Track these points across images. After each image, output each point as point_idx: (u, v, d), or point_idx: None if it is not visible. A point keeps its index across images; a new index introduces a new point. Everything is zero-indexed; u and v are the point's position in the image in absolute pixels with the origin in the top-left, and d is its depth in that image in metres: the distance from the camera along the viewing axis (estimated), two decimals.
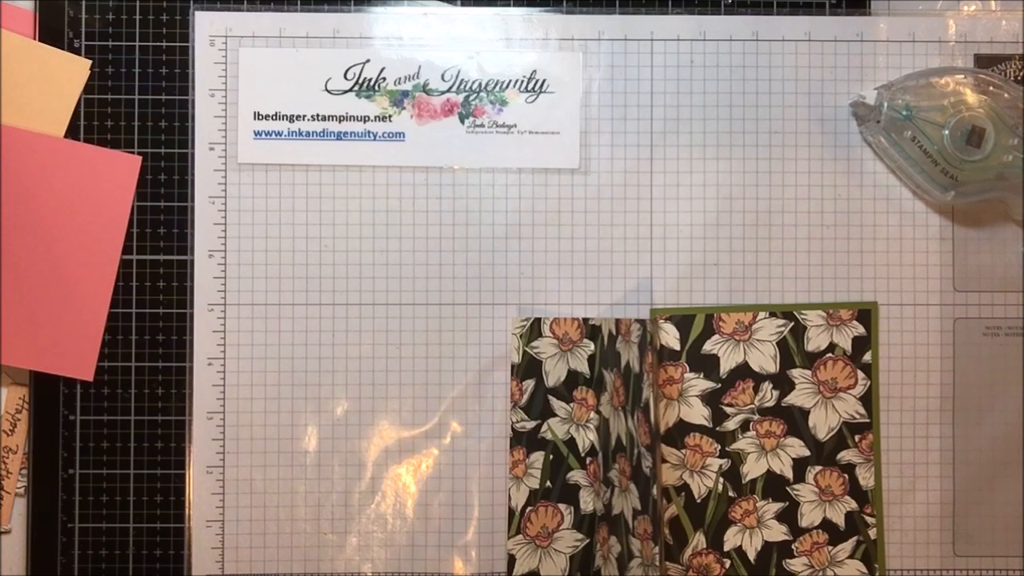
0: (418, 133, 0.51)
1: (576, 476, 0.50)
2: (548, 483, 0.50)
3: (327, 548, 0.51)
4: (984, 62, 0.52)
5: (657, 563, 0.48)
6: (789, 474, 0.51)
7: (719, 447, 0.50)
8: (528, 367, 0.50)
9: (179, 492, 0.50)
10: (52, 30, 0.51)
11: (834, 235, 0.51)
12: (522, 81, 0.51)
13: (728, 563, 0.50)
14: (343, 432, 0.51)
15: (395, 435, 0.51)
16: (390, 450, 0.51)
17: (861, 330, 0.51)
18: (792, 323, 0.51)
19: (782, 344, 0.51)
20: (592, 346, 0.51)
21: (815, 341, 0.51)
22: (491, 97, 0.51)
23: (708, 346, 0.51)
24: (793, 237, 0.51)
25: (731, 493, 0.50)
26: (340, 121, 0.51)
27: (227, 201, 0.51)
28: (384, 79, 0.51)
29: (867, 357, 0.51)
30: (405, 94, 0.51)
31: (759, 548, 0.50)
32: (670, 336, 0.50)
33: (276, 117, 0.51)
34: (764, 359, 0.51)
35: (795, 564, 0.51)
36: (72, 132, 0.50)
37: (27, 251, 0.50)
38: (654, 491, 0.48)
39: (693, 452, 0.50)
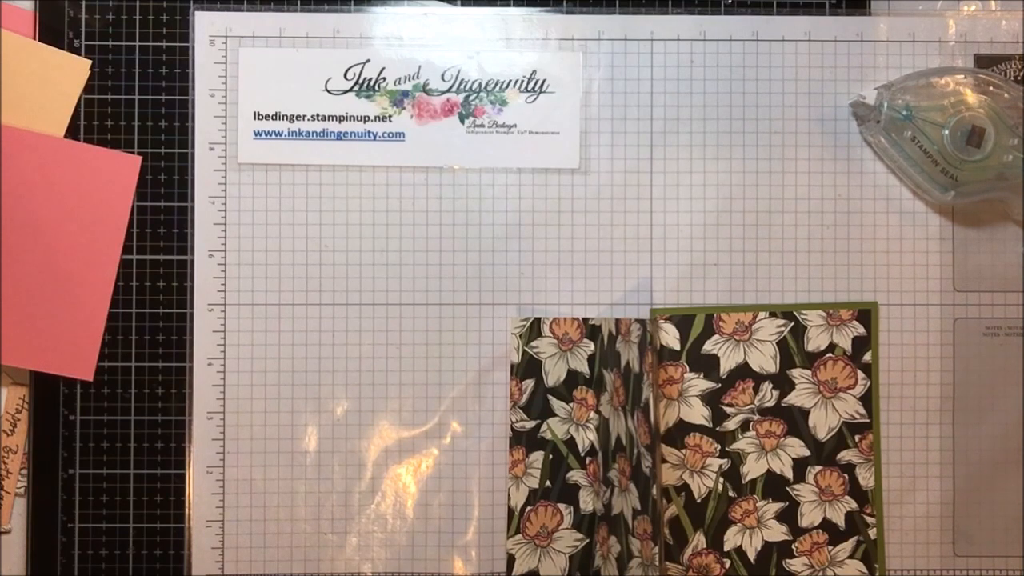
0: (418, 133, 0.51)
1: (576, 476, 0.50)
2: (548, 483, 0.50)
3: (327, 548, 0.51)
4: (984, 62, 0.52)
5: (657, 563, 0.48)
6: (789, 474, 0.51)
7: (719, 447, 0.50)
8: (528, 367, 0.50)
9: (179, 492, 0.50)
10: (52, 30, 0.51)
11: (834, 235, 0.51)
12: (522, 81, 0.51)
13: (728, 563, 0.50)
14: (343, 432, 0.51)
15: (395, 435, 0.51)
16: (390, 450, 0.51)
17: (861, 330, 0.51)
18: (792, 323, 0.51)
19: (782, 344, 0.51)
20: (592, 346, 0.50)
21: (815, 341, 0.51)
22: (491, 97, 0.51)
23: (708, 346, 0.51)
24: (793, 237, 0.51)
25: (731, 493, 0.50)
26: (340, 121, 0.51)
27: (227, 201, 0.51)
28: (384, 79, 0.51)
29: (867, 357, 0.51)
30: (405, 94, 0.51)
31: (759, 548, 0.50)
32: (670, 336, 0.50)
33: (276, 117, 0.51)
34: (764, 359, 0.51)
35: (795, 564, 0.51)
36: (72, 132, 0.50)
37: (27, 251, 0.50)
38: (654, 491, 0.48)
39: (693, 452, 0.50)
